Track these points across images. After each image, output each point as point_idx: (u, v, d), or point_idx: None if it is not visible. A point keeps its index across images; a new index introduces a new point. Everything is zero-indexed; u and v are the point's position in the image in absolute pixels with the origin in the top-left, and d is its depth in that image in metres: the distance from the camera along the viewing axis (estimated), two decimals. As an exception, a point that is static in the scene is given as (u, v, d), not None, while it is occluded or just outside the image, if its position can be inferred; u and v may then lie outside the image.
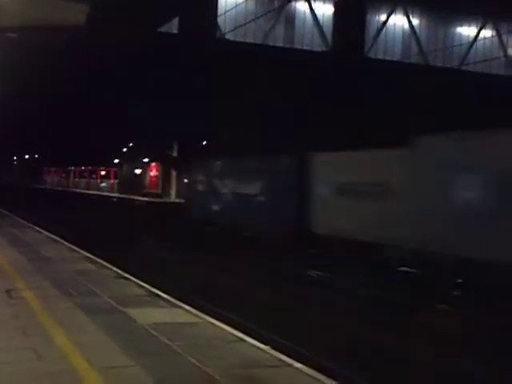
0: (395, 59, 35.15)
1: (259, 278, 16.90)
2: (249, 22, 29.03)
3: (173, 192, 67.41)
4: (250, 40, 31.65)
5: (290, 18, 33.09)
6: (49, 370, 6.65)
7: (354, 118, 33.70)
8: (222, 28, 30.64)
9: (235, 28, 29.96)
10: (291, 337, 9.95)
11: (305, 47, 33.09)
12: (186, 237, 29.36)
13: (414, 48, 35.42)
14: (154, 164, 71.87)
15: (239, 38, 30.94)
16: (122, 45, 17.83)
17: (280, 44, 32.67)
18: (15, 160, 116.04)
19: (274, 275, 17.86)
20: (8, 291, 10.87)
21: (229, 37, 30.55)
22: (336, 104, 32.20)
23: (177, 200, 63.94)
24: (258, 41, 31.62)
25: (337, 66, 31.68)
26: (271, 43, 32.26)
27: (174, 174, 67.61)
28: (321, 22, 32.99)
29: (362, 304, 13.59)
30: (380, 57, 34.78)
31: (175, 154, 66.02)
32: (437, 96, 30.63)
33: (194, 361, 7.11)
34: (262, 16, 29.60)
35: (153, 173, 72.72)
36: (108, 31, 13.42)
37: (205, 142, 59.67)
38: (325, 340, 10.28)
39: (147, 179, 73.71)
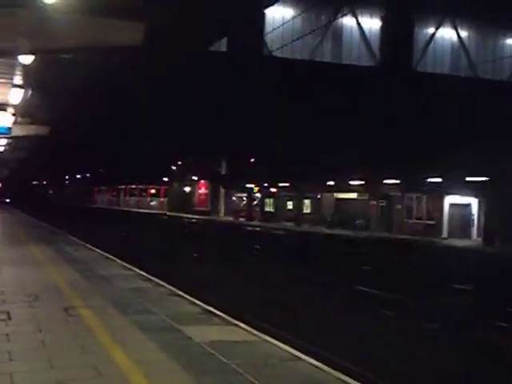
0: (444, 72, 34.75)
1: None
2: (296, 39, 29.06)
3: (221, 209, 67.76)
4: (297, 57, 31.69)
5: (337, 34, 33.07)
6: (110, 388, 6.67)
7: (404, 132, 33.51)
8: (270, 46, 30.76)
9: (282, 46, 30.03)
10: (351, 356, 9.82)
11: (353, 62, 32.99)
12: (237, 255, 29.49)
13: (463, 60, 34.99)
14: (202, 181, 72.37)
15: (286, 56, 31.01)
16: (174, 63, 18.00)
17: (327, 60, 32.63)
18: (67, 179, 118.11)
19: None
20: (66, 309, 10.98)
21: (276, 54, 30.62)
22: (386, 119, 32.08)
23: (226, 217, 64.23)
24: (305, 57, 31.64)
25: (385, 81, 31.49)
26: (318, 59, 32.23)
27: (222, 191, 68.01)
28: (368, 36, 32.92)
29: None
30: (429, 70, 34.41)
31: (223, 171, 66.45)
32: (485, 108, 30.23)
33: (252, 380, 7.04)
34: (309, 33, 29.57)
35: (202, 190, 73.19)
36: (162, 50, 13.56)
37: (252, 160, 59.87)
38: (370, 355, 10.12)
39: (196, 197, 74.23)
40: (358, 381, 7.41)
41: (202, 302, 12.34)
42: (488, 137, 31.25)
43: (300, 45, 31.25)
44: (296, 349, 8.73)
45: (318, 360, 8.10)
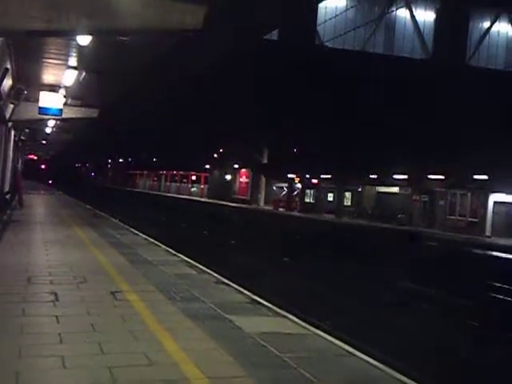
0: (498, 67, 33.99)
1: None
2: (349, 31, 28.73)
3: (261, 198, 67.62)
4: (348, 48, 31.33)
5: (390, 26, 32.58)
6: (162, 378, 6.53)
7: (452, 128, 32.94)
8: (322, 37, 30.45)
9: (334, 37, 29.72)
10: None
11: (405, 55, 32.48)
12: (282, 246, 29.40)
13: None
14: (243, 170, 72.30)
15: (338, 47, 30.66)
16: (228, 50, 17.86)
17: (379, 52, 32.19)
18: (109, 163, 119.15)
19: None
20: (113, 293, 10.92)
21: (328, 45, 30.33)
22: (436, 113, 31.57)
23: (266, 206, 64.10)
24: (357, 49, 31.24)
25: (437, 74, 30.94)
26: (370, 51, 31.83)
27: (263, 180, 67.83)
28: (421, 29, 32.34)
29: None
30: (482, 65, 33.69)
31: (265, 160, 66.25)
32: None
33: (308, 375, 6.85)
34: (362, 26, 29.23)
35: (242, 179, 73.16)
36: (219, 35, 13.40)
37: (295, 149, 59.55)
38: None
39: (237, 185, 74.22)
40: (414, 380, 7.18)
41: (248, 291, 12.20)
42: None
43: (352, 36, 30.90)
44: (349, 344, 8.52)
45: (372, 357, 7.87)
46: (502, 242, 35.63)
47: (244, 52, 26.21)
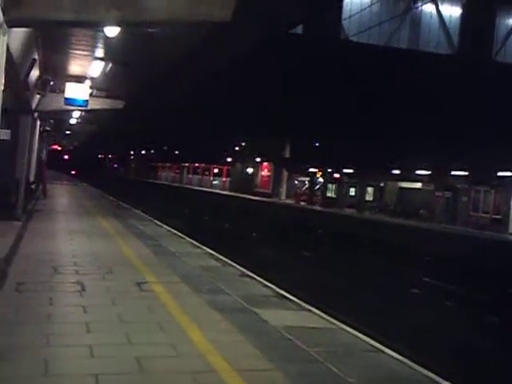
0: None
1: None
2: (374, 26, 28.59)
3: (283, 192, 67.54)
4: (373, 43, 31.13)
5: (416, 20, 32.34)
6: (190, 369, 6.53)
7: (480, 124, 32.67)
8: (347, 31, 30.31)
9: (359, 32, 29.61)
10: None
11: (430, 50, 32.21)
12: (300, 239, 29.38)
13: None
14: (266, 164, 72.24)
15: (363, 41, 30.50)
16: (254, 43, 17.81)
17: (404, 47, 31.97)
18: (132, 155, 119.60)
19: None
20: (139, 284, 10.95)
21: (352, 39, 30.20)
22: (462, 109, 31.33)
23: (287, 200, 64.03)
24: (382, 44, 31.04)
25: (463, 69, 30.69)
26: (395, 46, 31.61)
27: (285, 174, 67.73)
28: (447, 24, 32.07)
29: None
30: (509, 61, 33.32)
31: (287, 154, 66.11)
32: None
33: (335, 370, 6.82)
34: (387, 21, 29.08)
35: (264, 172, 73.11)
36: (246, 28, 13.37)
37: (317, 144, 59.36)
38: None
39: (259, 178, 74.18)
40: (445, 378, 7.11)
41: (272, 283, 12.18)
42: None
43: (377, 31, 30.74)
44: (375, 339, 8.47)
45: (400, 354, 7.82)
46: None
47: (270, 46, 26.16)
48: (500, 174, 39.37)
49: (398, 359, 7.61)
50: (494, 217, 41.49)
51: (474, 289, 18.25)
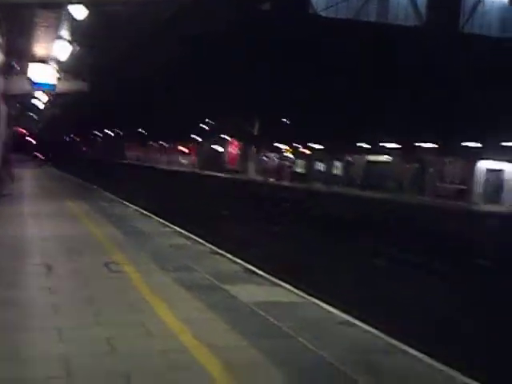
0: (492, 34, 33.66)
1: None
2: (342, 0, 28.46)
3: (252, 169, 67.54)
4: (342, 17, 30.93)
5: (383, -7, 32.23)
6: (161, 348, 6.45)
7: (447, 97, 32.78)
8: (315, 6, 30.07)
9: (327, 7, 29.45)
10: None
11: (399, 22, 32.10)
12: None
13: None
14: (234, 141, 72.07)
15: (331, 16, 30.30)
16: (222, 21, 17.60)
17: (373, 20, 31.82)
18: (100, 136, 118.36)
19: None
20: (107, 264, 10.83)
21: (321, 14, 29.98)
22: (428, 82, 31.42)
23: (257, 177, 64.01)
24: (351, 17, 30.87)
25: (431, 41, 30.69)
26: (364, 19, 31.42)
27: (254, 150, 67.70)
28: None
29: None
30: (476, 32, 33.34)
31: (256, 131, 65.99)
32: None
33: (308, 344, 6.80)
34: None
35: (233, 149, 72.95)
36: (210, 6, 13.16)
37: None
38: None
39: (227, 156, 74.03)
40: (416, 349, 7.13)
41: (242, 260, 12.15)
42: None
43: (345, 5, 30.58)
44: (347, 313, 8.47)
45: (372, 326, 7.83)
46: (487, 208, 35.72)
47: (238, 22, 25.93)
48: (465, 144, 39.72)
49: (370, 332, 7.61)
50: (460, 187, 41.96)
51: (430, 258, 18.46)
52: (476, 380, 6.22)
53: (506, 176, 40.48)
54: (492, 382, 7.59)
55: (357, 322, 8.00)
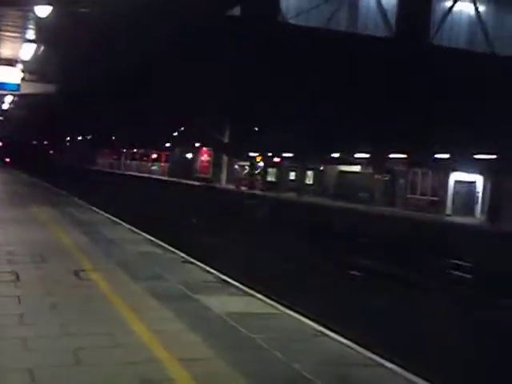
0: (460, 47, 33.86)
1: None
2: (312, 8, 28.39)
3: (223, 177, 67.30)
4: (312, 25, 30.83)
5: (354, 3, 32.20)
6: (130, 360, 6.25)
7: (415, 107, 32.93)
8: (285, 13, 29.97)
9: (297, 14, 29.37)
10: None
11: (368, 32, 32.11)
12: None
13: (480, 36, 34.10)
14: (205, 149, 71.80)
15: (301, 24, 30.20)
16: (188, 26, 17.45)
17: (343, 29, 31.76)
18: (68, 142, 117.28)
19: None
20: (76, 272, 10.58)
21: (291, 22, 29.86)
22: (398, 92, 31.52)
23: (229, 185, 63.81)
24: (321, 26, 30.78)
25: (400, 53, 30.80)
26: (334, 28, 31.33)
27: (225, 159, 67.46)
28: (385, 6, 32.06)
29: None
30: (445, 44, 33.51)
31: (226, 139, 65.82)
32: (503, 85, 29.58)
33: (280, 356, 6.65)
34: (325, 2, 28.89)
35: (204, 157, 72.67)
36: (177, 10, 13.00)
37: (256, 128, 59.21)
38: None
39: (198, 164, 73.73)
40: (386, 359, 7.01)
41: (214, 269, 11.96)
42: (498, 113, 30.63)
43: (315, 14, 30.50)
44: (319, 323, 8.33)
45: (344, 337, 7.70)
46: (459, 220, 35.91)
47: (208, 28, 25.77)
48: (437, 155, 39.92)
49: (342, 343, 7.49)
50: (432, 198, 42.14)
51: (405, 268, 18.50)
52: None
53: (478, 188, 40.73)
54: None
55: (331, 334, 7.87)
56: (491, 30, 33.90)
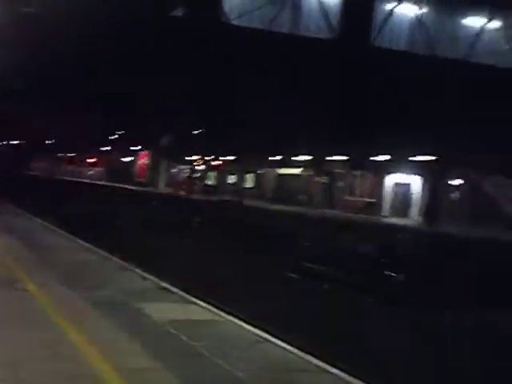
0: (401, 49, 34.19)
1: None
2: (255, 9, 28.35)
3: (162, 181, 66.74)
4: (255, 26, 30.73)
5: (297, 4, 32.22)
6: (68, 371, 6.05)
7: (356, 109, 33.14)
8: (228, 14, 29.78)
9: (240, 16, 29.30)
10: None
11: (311, 34, 32.16)
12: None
13: (421, 38, 34.45)
14: (143, 153, 71.08)
15: (244, 25, 30.07)
16: (131, 26, 17.19)
17: (286, 31, 31.74)
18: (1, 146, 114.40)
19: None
20: (12, 283, 10.25)
21: (234, 23, 29.70)
22: (339, 94, 31.67)
23: (167, 189, 63.31)
24: (264, 27, 30.68)
25: (342, 55, 30.98)
26: (277, 30, 31.28)
27: (163, 162, 66.92)
28: (327, 8, 32.16)
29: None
30: (386, 46, 33.77)
31: (166, 142, 65.27)
32: (443, 87, 30.09)
33: (221, 363, 6.56)
34: (268, 3, 28.89)
35: (142, 161, 71.92)
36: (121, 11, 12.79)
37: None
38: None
39: (136, 168, 72.94)
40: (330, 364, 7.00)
41: (153, 276, 11.80)
42: (437, 116, 31.14)
43: (259, 15, 30.44)
44: (260, 329, 8.27)
45: (286, 343, 7.66)
46: (393, 221, 36.27)
47: (152, 28, 25.42)
48: (373, 158, 40.41)
49: (284, 348, 7.45)
50: (369, 200, 42.66)
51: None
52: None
53: (413, 190, 41.38)
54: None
55: (274, 340, 7.81)
56: (432, 33, 34.36)
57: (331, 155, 43.85)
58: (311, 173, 47.93)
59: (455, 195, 38.00)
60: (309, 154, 45.69)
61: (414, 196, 41.30)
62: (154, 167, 68.37)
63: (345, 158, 43.14)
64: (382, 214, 40.67)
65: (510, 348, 11.17)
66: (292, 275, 18.06)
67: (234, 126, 44.40)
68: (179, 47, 29.14)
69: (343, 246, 24.56)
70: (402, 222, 36.06)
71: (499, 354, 10.84)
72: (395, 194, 41.86)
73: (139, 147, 70.19)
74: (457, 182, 38.00)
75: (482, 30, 34.58)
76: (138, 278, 11.66)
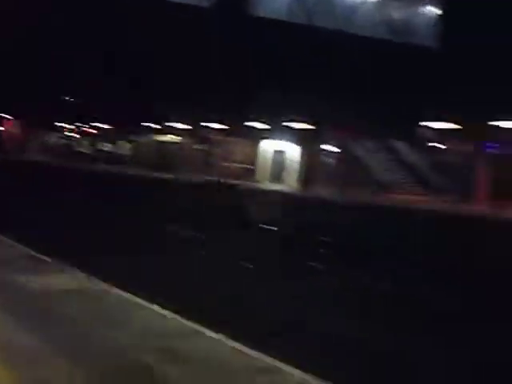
0: (279, 18, 34.11)
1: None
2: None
3: (33, 149, 64.30)
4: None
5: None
6: None
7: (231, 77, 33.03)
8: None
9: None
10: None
11: (183, 1, 31.50)
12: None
13: (299, 8, 34.52)
14: (10, 119, 67.96)
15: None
16: None
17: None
18: None
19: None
20: None
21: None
22: (213, 64, 31.39)
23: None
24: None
25: (216, 23, 30.61)
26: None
27: (33, 131, 64.49)
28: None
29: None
30: (263, 15, 33.61)
31: (35, 109, 62.72)
32: (320, 58, 30.44)
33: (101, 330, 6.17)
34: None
35: (10, 129, 68.79)
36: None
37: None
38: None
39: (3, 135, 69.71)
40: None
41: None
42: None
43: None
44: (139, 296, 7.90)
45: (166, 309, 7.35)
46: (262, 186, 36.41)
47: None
48: (248, 124, 40.52)
49: (159, 312, 7.17)
50: (247, 167, 42.90)
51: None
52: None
53: (288, 156, 41.87)
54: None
55: (155, 307, 7.46)
56: (310, 3, 34.58)
57: (209, 122, 43.72)
58: (190, 140, 47.69)
59: (330, 160, 38.86)
60: (186, 122, 45.35)
61: (290, 162, 41.81)
62: (24, 135, 65.83)
63: (223, 126, 43.13)
64: (257, 179, 40.95)
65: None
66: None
67: (113, 94, 43.35)
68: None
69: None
70: (277, 187, 36.27)
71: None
72: (272, 160, 42.28)
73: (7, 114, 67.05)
74: (331, 147, 38.85)
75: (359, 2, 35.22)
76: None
